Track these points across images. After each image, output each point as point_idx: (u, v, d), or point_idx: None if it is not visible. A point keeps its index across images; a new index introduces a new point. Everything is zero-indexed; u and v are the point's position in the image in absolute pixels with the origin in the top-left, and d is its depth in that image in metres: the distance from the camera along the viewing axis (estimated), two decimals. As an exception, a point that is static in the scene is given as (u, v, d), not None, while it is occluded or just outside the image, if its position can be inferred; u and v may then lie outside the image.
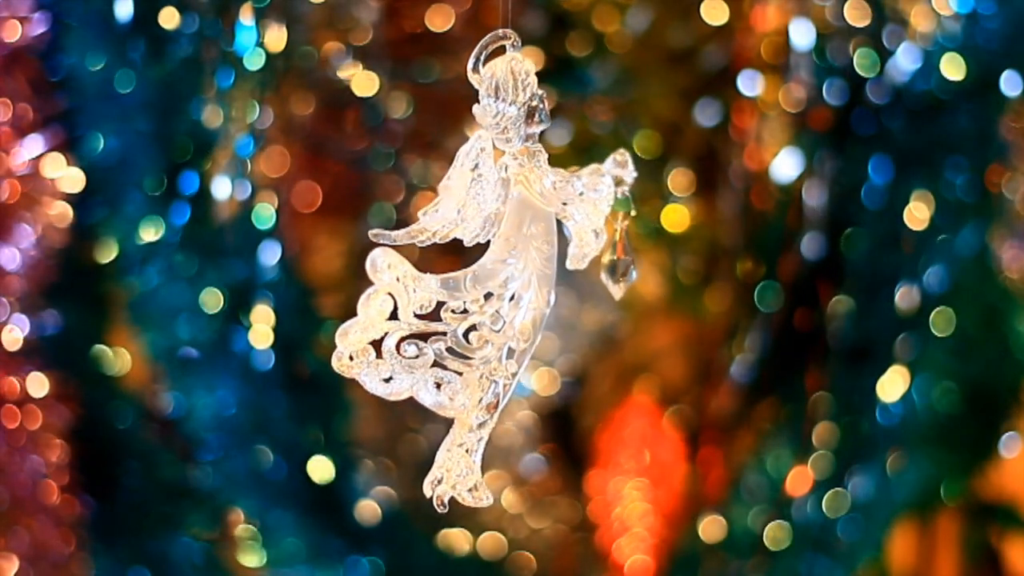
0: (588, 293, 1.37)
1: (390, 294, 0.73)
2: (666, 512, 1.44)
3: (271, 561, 1.36)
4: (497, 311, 0.75)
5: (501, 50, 0.73)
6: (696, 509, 1.41)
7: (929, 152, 1.29)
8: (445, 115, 1.32)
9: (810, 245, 1.33)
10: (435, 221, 0.74)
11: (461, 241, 0.75)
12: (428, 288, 0.74)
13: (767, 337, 1.36)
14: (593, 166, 0.77)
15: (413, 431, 1.40)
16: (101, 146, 1.22)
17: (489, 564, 1.43)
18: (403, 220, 1.34)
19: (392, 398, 0.75)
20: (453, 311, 0.74)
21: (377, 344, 0.73)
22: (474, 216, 0.74)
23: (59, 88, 1.19)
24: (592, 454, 1.46)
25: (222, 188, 1.20)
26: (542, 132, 0.75)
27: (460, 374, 0.75)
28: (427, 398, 0.75)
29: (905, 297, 1.31)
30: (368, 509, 1.35)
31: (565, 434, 1.48)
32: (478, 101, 0.73)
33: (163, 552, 1.35)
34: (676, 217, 1.39)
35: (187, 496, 1.36)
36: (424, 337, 0.74)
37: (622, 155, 0.78)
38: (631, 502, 1.44)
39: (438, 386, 0.75)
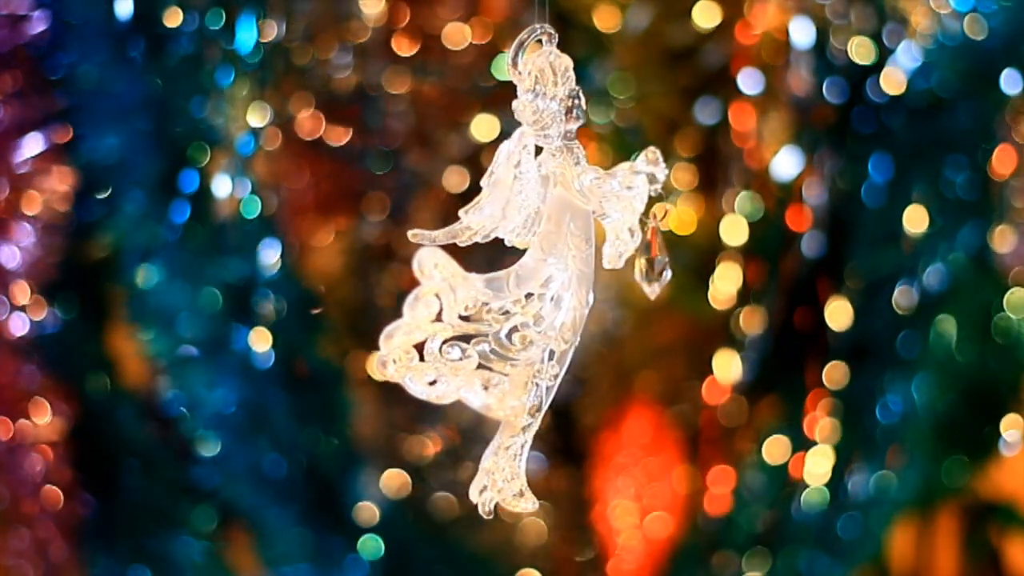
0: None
1: (436, 295, 0.72)
2: (666, 511, 1.44)
3: (271, 560, 1.36)
4: (539, 311, 0.73)
5: (537, 45, 0.72)
6: (696, 508, 1.41)
7: (929, 150, 1.29)
8: (446, 114, 1.32)
9: (810, 243, 1.33)
10: (480, 219, 0.72)
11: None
12: (474, 288, 0.72)
13: (767, 335, 1.36)
14: (627, 163, 0.75)
15: (413, 430, 1.40)
16: (100, 145, 1.22)
17: (488, 563, 1.43)
18: (404, 220, 1.34)
19: (439, 401, 0.73)
20: (496, 312, 0.72)
21: (419, 347, 0.72)
22: (516, 214, 0.73)
23: (58, 87, 1.19)
24: (592, 452, 1.46)
25: (222, 187, 1.20)
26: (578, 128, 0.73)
27: (507, 376, 0.73)
28: (475, 400, 0.73)
29: (905, 295, 1.31)
30: (368, 508, 1.35)
31: (565, 432, 1.48)
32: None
33: (163, 551, 1.35)
34: (676, 214, 1.38)
35: (187, 494, 1.36)
36: (467, 339, 0.72)
37: (654, 152, 0.76)
38: (631, 501, 1.44)
39: (485, 388, 0.73)
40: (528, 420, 0.75)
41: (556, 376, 0.74)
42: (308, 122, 1.32)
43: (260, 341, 1.25)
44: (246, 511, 1.36)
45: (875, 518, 1.40)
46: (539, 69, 0.71)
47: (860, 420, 1.34)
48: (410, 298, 0.71)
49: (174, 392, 1.29)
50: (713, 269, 1.36)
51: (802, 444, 1.35)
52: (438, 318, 0.72)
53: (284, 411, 1.29)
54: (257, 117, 1.22)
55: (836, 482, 1.36)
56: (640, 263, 0.78)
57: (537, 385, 0.74)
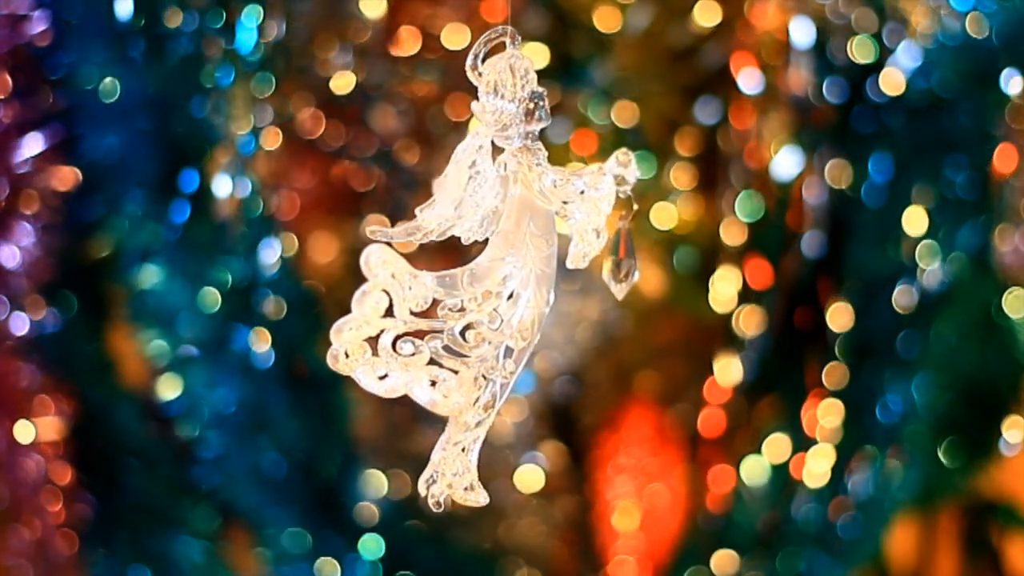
0: (588, 289, 1.37)
1: (385, 291, 0.72)
2: (666, 511, 1.44)
3: (271, 559, 1.36)
4: (495, 309, 0.75)
5: (501, 47, 0.73)
6: (696, 507, 1.41)
7: (929, 150, 1.29)
8: (446, 114, 1.32)
9: (810, 243, 1.33)
10: (431, 218, 0.74)
11: (459, 239, 0.75)
12: (424, 286, 0.73)
13: (767, 335, 1.36)
14: (595, 165, 0.77)
15: (412, 429, 1.40)
16: (100, 145, 1.22)
17: (488, 563, 1.43)
18: (403, 219, 1.34)
19: (387, 396, 0.74)
20: (450, 309, 0.74)
21: (374, 341, 0.73)
22: (471, 214, 0.74)
23: (59, 86, 1.19)
24: (592, 452, 1.46)
25: (222, 186, 1.20)
26: (543, 130, 0.74)
27: (456, 372, 0.74)
28: (421, 396, 0.74)
29: (905, 295, 1.31)
30: (368, 507, 1.35)
31: (565, 432, 1.48)
32: (477, 98, 0.73)
33: (163, 550, 1.35)
34: (676, 214, 1.39)
35: (187, 494, 1.36)
36: (421, 335, 0.73)
37: (625, 154, 0.77)
38: (631, 500, 1.44)
39: (433, 384, 0.74)
40: (481, 416, 0.76)
41: (512, 373, 0.76)
42: (308, 122, 1.32)
43: (260, 341, 1.25)
44: (246, 511, 1.35)
45: (875, 518, 1.40)
46: (499, 71, 0.72)
47: (860, 420, 1.35)
48: (357, 294, 0.72)
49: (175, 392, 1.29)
50: (713, 269, 1.36)
51: (802, 444, 1.35)
52: (389, 313, 0.72)
53: (284, 411, 1.29)
54: (257, 117, 1.22)
55: (836, 482, 1.36)
56: (607, 264, 0.79)
57: (492, 382, 0.75)
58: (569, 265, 0.77)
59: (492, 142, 0.74)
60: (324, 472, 1.33)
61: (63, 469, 1.26)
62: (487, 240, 0.76)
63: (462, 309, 0.74)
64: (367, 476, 1.36)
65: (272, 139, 1.27)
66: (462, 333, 0.74)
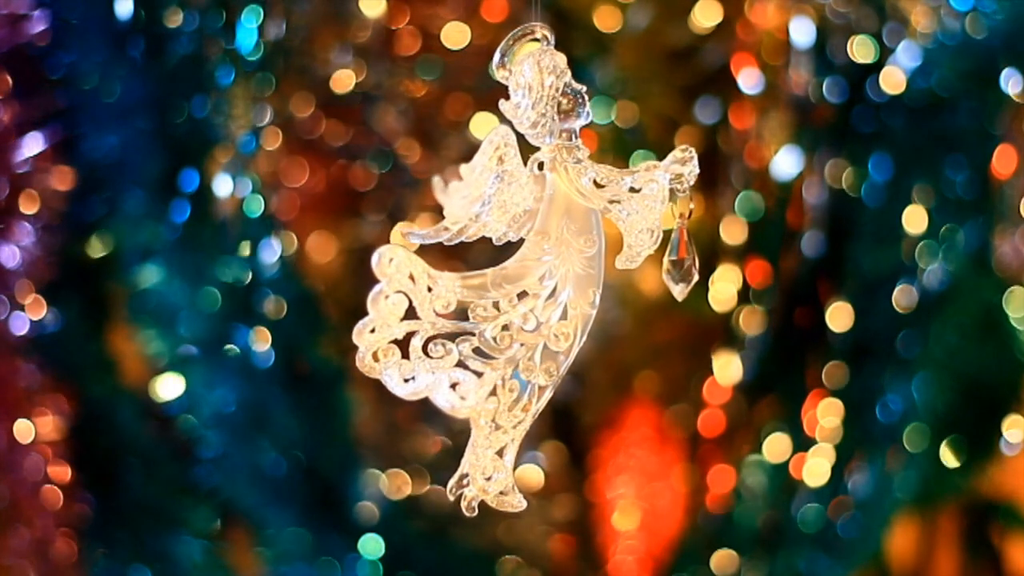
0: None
1: (403, 292, 0.70)
2: (666, 510, 1.44)
3: (271, 559, 1.36)
4: (531, 310, 0.72)
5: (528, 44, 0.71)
6: (696, 507, 1.41)
7: (929, 150, 1.29)
8: (446, 114, 1.32)
9: (810, 243, 1.33)
10: (453, 218, 0.72)
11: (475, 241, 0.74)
12: (447, 287, 0.71)
13: (767, 335, 1.36)
14: (649, 163, 0.73)
15: (413, 429, 1.40)
16: (100, 144, 1.22)
17: (488, 563, 1.43)
18: (403, 219, 1.34)
19: (410, 398, 0.72)
20: (483, 310, 0.72)
21: (404, 343, 0.71)
22: (499, 214, 0.72)
23: (59, 86, 1.19)
24: (592, 452, 1.46)
25: (222, 186, 1.20)
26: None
27: (480, 374, 0.72)
28: (440, 398, 0.72)
29: (905, 295, 1.31)
30: (368, 507, 1.35)
31: (565, 432, 1.48)
32: (507, 97, 0.71)
33: (163, 550, 1.35)
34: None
35: (187, 494, 1.36)
36: (453, 337, 0.71)
37: (684, 151, 0.73)
38: (631, 500, 1.43)
39: (452, 387, 0.72)
40: (519, 418, 0.73)
41: (552, 376, 0.73)
42: (308, 122, 1.32)
43: (260, 341, 1.25)
44: (246, 511, 1.35)
45: (875, 518, 1.39)
46: (526, 70, 0.71)
47: (860, 420, 1.34)
48: (372, 294, 0.70)
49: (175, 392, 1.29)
50: (713, 269, 1.36)
51: (802, 444, 1.35)
52: (410, 315, 0.71)
53: (284, 411, 1.29)
54: (257, 117, 1.22)
55: (836, 482, 1.36)
56: (666, 263, 0.76)
57: (529, 384, 0.73)
58: (619, 266, 0.74)
59: (527, 140, 0.72)
60: (324, 472, 1.33)
61: (63, 469, 1.26)
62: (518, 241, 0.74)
63: (496, 310, 0.72)
64: (367, 476, 1.36)
65: (272, 139, 1.27)
66: (494, 335, 0.72)
